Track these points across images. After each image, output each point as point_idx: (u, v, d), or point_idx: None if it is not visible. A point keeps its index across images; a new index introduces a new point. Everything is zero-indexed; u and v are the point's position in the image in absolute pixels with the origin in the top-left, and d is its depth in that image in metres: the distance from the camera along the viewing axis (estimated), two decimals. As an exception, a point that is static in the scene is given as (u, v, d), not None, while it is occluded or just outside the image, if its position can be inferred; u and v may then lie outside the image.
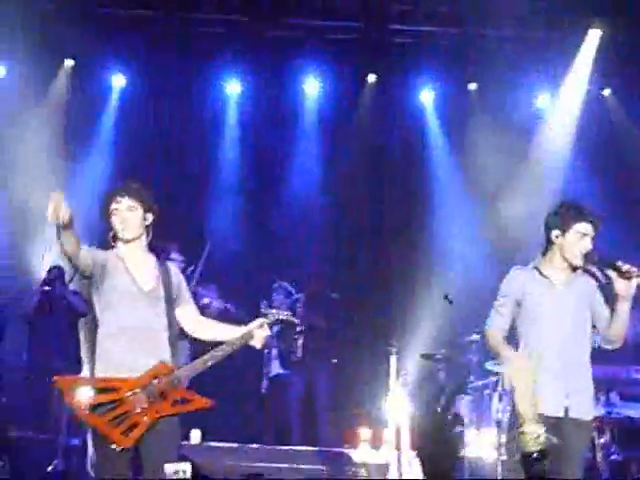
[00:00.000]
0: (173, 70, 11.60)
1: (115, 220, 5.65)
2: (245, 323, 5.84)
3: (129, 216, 5.63)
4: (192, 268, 9.66)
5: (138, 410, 5.44)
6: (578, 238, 5.72)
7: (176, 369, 5.57)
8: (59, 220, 5.18)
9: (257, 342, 5.79)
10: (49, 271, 9.99)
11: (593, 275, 5.82)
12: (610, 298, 5.76)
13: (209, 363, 5.66)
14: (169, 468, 4.64)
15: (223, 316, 9.75)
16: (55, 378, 5.48)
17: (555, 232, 5.78)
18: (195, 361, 5.68)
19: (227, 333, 5.78)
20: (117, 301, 5.52)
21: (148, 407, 5.45)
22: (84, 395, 5.43)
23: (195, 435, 9.47)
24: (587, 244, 5.71)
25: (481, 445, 8.70)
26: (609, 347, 5.86)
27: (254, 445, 9.59)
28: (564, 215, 5.77)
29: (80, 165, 11.55)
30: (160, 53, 11.47)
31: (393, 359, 8.30)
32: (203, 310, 7.53)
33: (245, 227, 11.67)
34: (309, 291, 10.39)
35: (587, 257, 5.71)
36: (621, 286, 5.62)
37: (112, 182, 10.91)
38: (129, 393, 5.45)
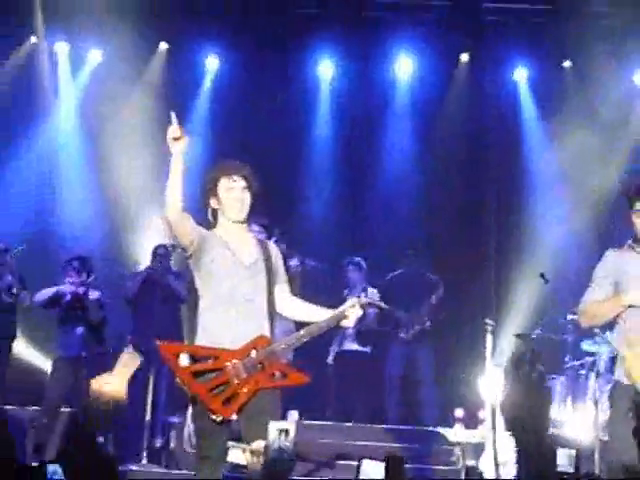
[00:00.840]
0: (267, 53, 11.63)
1: (229, 199, 5.66)
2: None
3: (244, 197, 5.65)
4: (275, 239, 9.69)
5: (237, 380, 5.48)
6: (637, 217, 5.70)
7: (274, 342, 5.63)
8: (176, 137, 5.50)
9: (350, 322, 5.78)
10: (154, 250, 10.05)
11: None
12: None
13: (304, 339, 5.67)
14: (273, 426, 4.67)
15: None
16: (158, 343, 5.56)
17: (630, 211, 5.76)
18: (291, 335, 5.71)
19: (317, 314, 5.77)
20: (217, 275, 5.55)
21: (247, 378, 5.49)
22: (185, 362, 5.53)
23: (293, 415, 9.56)
24: None
25: (577, 425, 8.63)
26: None
27: (348, 423, 9.67)
28: (628, 195, 5.77)
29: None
30: (253, 35, 11.52)
31: (489, 338, 8.25)
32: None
33: (338, 209, 11.71)
34: (408, 270, 10.46)
35: None
36: None
37: (208, 165, 11.08)
38: (228, 363, 5.51)
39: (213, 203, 5.70)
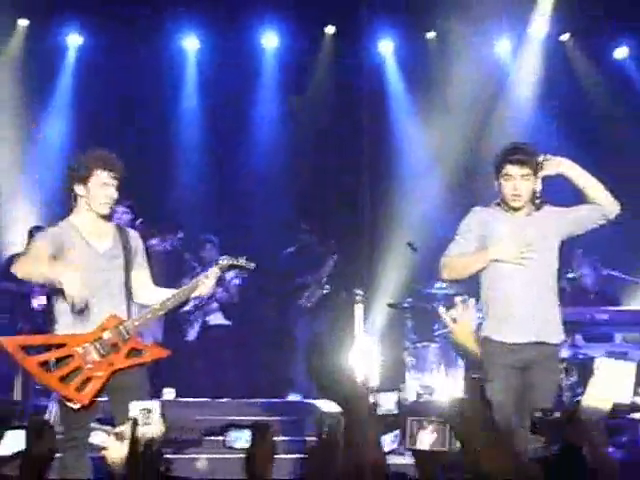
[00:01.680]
0: (130, 28, 11.39)
1: (101, 195, 5.64)
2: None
3: (115, 194, 5.67)
4: (141, 220, 9.58)
5: (89, 365, 5.45)
6: (503, 180, 5.84)
7: (126, 321, 5.57)
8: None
9: (202, 290, 5.80)
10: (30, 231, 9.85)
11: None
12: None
13: (159, 313, 5.70)
14: (135, 406, 4.62)
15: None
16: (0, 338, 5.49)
17: (495, 178, 5.91)
18: (144, 310, 5.68)
19: (169, 292, 5.81)
20: (76, 265, 5.53)
21: (101, 360, 5.45)
22: (32, 354, 5.45)
23: (168, 392, 9.49)
24: (512, 186, 5.79)
25: (450, 391, 8.75)
26: (612, 217, 5.92)
27: (222, 399, 9.62)
28: (495, 160, 5.91)
29: (38, 129, 11.45)
30: (116, 9, 11.28)
31: (359, 308, 8.33)
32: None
33: (207, 183, 11.62)
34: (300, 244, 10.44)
35: (513, 199, 5.79)
36: (560, 170, 5.82)
37: (72, 145, 10.91)
38: (78, 348, 5.45)
39: (79, 190, 5.65)
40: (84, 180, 5.61)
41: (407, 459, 3.86)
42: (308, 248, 10.54)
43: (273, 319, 10.90)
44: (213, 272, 5.88)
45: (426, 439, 3.11)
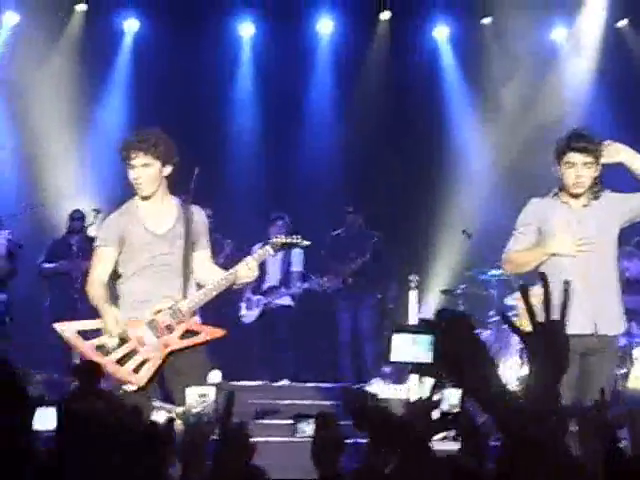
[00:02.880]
0: (186, 14, 11.46)
1: (131, 179, 5.67)
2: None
3: (143, 174, 5.63)
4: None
5: (145, 347, 5.48)
6: (565, 169, 5.78)
7: (180, 302, 5.60)
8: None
9: (250, 274, 5.73)
10: (71, 215, 10.01)
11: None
12: None
13: (213, 293, 5.67)
14: (192, 391, 4.67)
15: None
16: (55, 325, 5.56)
17: (555, 166, 5.86)
18: (197, 292, 5.68)
19: (223, 273, 5.80)
20: (134, 248, 5.64)
21: (155, 342, 5.48)
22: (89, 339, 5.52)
23: (214, 375, 9.52)
24: (574, 174, 5.74)
25: (504, 377, 8.74)
26: None
27: (275, 383, 9.66)
28: (557, 147, 5.83)
29: (96, 113, 11.56)
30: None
31: (413, 294, 8.32)
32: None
33: (262, 168, 11.65)
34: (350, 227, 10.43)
35: (575, 186, 5.75)
36: (622, 158, 5.78)
37: (128, 129, 10.99)
38: (133, 331, 5.50)
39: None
40: (125, 165, 5.68)
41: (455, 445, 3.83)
42: (353, 230, 10.49)
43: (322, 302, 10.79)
44: (265, 250, 5.89)
45: None
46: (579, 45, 12.00)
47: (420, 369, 2.41)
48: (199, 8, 11.37)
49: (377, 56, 11.98)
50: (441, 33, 12.10)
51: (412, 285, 8.37)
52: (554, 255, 5.78)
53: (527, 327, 3.82)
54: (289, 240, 5.99)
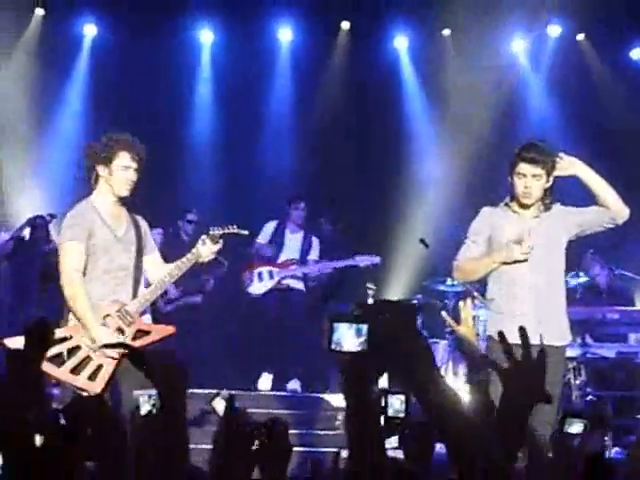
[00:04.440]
0: (144, 18, 11.39)
1: (123, 178, 5.72)
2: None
3: (135, 178, 5.76)
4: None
5: (97, 352, 5.47)
6: (516, 179, 5.84)
7: (127, 304, 5.61)
8: None
9: (205, 256, 5.85)
10: (32, 221, 9.79)
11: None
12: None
13: (158, 291, 5.73)
14: (137, 395, 4.69)
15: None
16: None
17: (509, 176, 5.92)
18: (142, 291, 5.72)
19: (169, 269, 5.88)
20: (97, 250, 5.65)
21: (107, 347, 5.46)
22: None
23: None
24: (522, 184, 5.79)
25: (459, 387, 8.76)
26: (620, 222, 5.93)
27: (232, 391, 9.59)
28: (512, 159, 5.89)
29: (54, 117, 11.49)
30: (132, 1, 11.31)
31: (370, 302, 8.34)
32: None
33: (221, 174, 11.63)
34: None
35: (524, 196, 5.79)
36: (575, 171, 5.83)
37: (86, 133, 10.95)
38: (85, 337, 5.48)
39: (101, 171, 5.71)
40: (107, 161, 5.67)
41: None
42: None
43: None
44: (205, 243, 5.89)
45: None
46: (537, 57, 12.09)
47: (357, 359, 2.40)
48: (159, 14, 11.31)
49: (337, 65, 11.99)
50: (401, 43, 12.13)
51: (369, 293, 8.39)
52: (504, 264, 5.83)
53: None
54: (227, 231, 6.00)
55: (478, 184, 10.76)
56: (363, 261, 9.72)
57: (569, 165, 5.86)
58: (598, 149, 10.86)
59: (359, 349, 2.39)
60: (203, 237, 5.91)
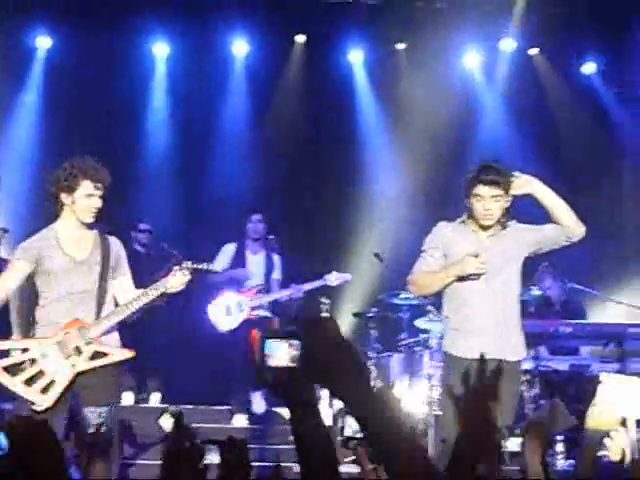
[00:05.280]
0: (98, 32, 11.29)
1: (87, 205, 5.74)
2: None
3: (99, 205, 5.77)
4: None
5: (52, 367, 5.51)
6: (474, 201, 5.84)
7: (88, 324, 5.64)
8: None
9: (175, 287, 5.88)
10: None
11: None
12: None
13: (121, 316, 5.75)
14: (90, 410, 4.71)
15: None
16: None
17: (466, 197, 5.91)
18: (107, 313, 5.73)
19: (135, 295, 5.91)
20: (55, 275, 5.69)
21: (63, 363, 5.52)
22: None
23: (128, 397, 9.46)
24: (482, 206, 5.80)
25: (414, 401, 8.77)
26: (576, 239, 5.96)
27: (189, 406, 9.56)
28: (467, 180, 5.90)
29: (7, 131, 11.38)
30: (86, 13, 11.22)
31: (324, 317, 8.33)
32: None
33: (175, 189, 11.59)
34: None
35: (484, 218, 5.81)
36: (529, 189, 5.84)
37: (39, 147, 10.88)
38: (41, 351, 5.52)
39: (64, 198, 5.74)
40: (71, 189, 5.67)
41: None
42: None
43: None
44: (175, 275, 5.91)
45: None
46: (491, 71, 12.19)
47: (292, 374, 2.43)
48: (113, 26, 11.25)
49: (292, 78, 11.99)
50: (355, 57, 12.17)
51: (323, 308, 8.39)
52: (459, 281, 5.83)
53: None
54: (198, 266, 6.04)
55: (435, 197, 10.83)
56: (336, 279, 9.64)
57: (525, 184, 5.88)
58: (553, 163, 11.03)
59: (290, 364, 2.44)
60: (175, 268, 5.92)
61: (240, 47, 11.91)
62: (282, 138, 11.78)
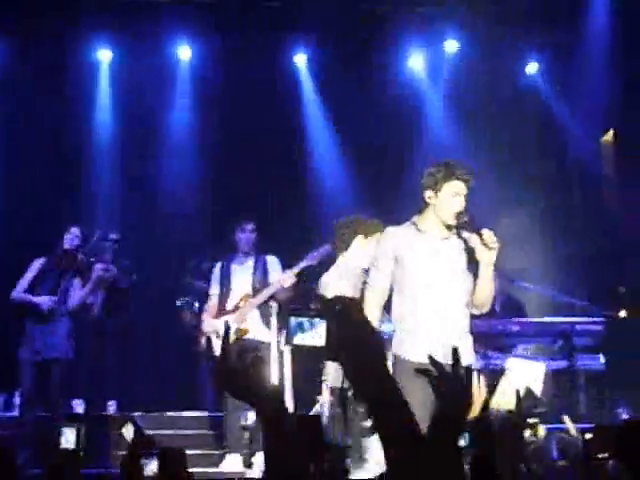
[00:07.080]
0: (41, 40, 11.21)
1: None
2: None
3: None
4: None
5: None
6: (450, 197, 5.77)
7: None
8: None
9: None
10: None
11: (460, 236, 5.90)
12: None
13: None
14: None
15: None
16: None
17: (428, 193, 5.83)
18: None
19: None
20: None
21: None
22: None
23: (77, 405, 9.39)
24: (459, 203, 5.76)
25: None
26: (476, 312, 5.92)
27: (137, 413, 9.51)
28: (436, 175, 5.79)
29: None
30: (27, 22, 11.11)
31: (273, 321, 8.33)
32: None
33: (120, 195, 11.50)
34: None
35: (458, 216, 5.75)
36: (482, 254, 5.67)
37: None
38: None
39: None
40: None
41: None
42: None
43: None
44: None
45: None
46: (435, 72, 12.25)
47: (315, 353, 2.44)
48: (56, 32, 11.15)
49: (238, 82, 11.92)
50: (300, 59, 12.18)
51: (272, 312, 8.39)
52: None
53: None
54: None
55: (383, 198, 10.84)
56: (319, 255, 8.40)
57: (491, 243, 5.65)
58: (496, 160, 11.13)
59: (316, 344, 2.43)
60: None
61: (184, 52, 11.86)
62: (228, 142, 11.66)
